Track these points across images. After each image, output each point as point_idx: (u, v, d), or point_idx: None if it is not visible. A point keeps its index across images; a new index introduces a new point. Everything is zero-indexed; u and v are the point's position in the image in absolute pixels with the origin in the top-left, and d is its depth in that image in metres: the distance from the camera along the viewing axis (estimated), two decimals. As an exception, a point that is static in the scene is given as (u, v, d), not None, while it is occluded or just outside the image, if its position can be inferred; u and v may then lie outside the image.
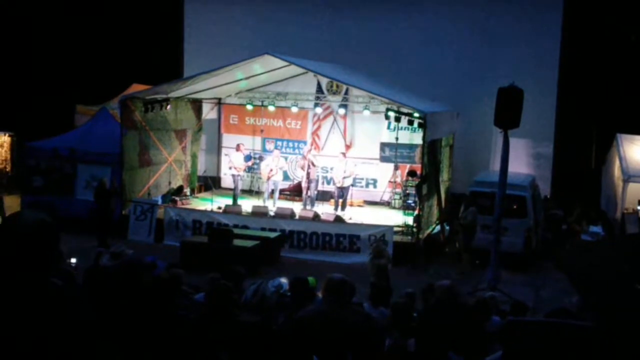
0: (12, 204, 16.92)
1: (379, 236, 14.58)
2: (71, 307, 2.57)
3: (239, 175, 18.15)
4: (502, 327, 5.96)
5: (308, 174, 17.49)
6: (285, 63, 16.77)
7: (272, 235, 14.83)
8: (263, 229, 15.20)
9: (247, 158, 18.90)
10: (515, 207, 14.76)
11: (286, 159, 19.40)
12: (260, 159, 19.26)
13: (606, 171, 20.26)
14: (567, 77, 20.48)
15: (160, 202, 17.22)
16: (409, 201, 16.99)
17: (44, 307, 2.50)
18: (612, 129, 19.69)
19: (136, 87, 20.23)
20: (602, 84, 21.37)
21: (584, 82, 21.32)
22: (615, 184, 18.37)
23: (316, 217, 16.09)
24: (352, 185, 18.17)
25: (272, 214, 16.39)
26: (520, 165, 18.41)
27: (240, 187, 18.41)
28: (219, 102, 20.85)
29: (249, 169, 19.05)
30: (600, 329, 3.21)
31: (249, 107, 19.70)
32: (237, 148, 18.47)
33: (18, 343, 2.43)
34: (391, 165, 19.10)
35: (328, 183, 19.16)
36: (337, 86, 19.25)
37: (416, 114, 15.41)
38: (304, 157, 17.89)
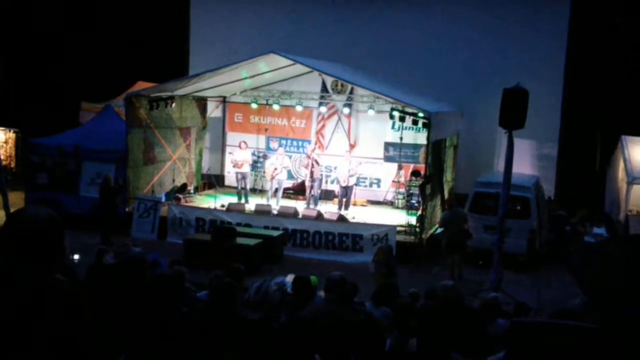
0: (16, 200, 16.93)
1: (382, 236, 14.57)
2: (74, 303, 2.58)
3: (242, 172, 18.16)
4: (506, 329, 5.95)
5: (312, 173, 17.49)
6: (291, 62, 16.76)
7: (275, 233, 14.83)
8: (266, 228, 15.20)
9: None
10: (519, 208, 14.74)
11: (290, 157, 19.41)
12: (265, 157, 19.28)
13: (610, 173, 20.21)
14: (573, 78, 20.45)
15: (164, 199, 17.24)
16: (413, 201, 16.98)
17: (48, 302, 2.51)
18: (617, 131, 19.65)
19: (141, 85, 20.27)
20: (607, 85, 21.33)
21: (590, 84, 21.29)
22: (619, 185, 18.32)
23: (319, 216, 16.09)
24: (356, 184, 18.19)
25: (275, 212, 16.40)
26: (524, 166, 18.38)
27: (248, 185, 18.46)
28: (223, 101, 20.87)
29: (253, 168, 19.06)
30: (604, 330, 3.20)
31: (254, 105, 19.72)
32: (240, 145, 18.53)
33: (21, 337, 2.43)
34: (395, 165, 19.08)
35: (332, 182, 19.18)
36: (342, 85, 19.25)
37: (421, 114, 15.39)
38: (308, 156, 17.89)
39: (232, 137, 20.98)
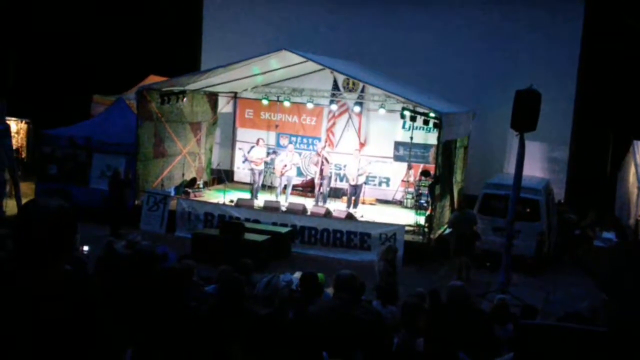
0: (26, 190, 17.02)
1: (390, 235, 14.55)
2: (82, 294, 2.58)
3: (258, 169, 18.20)
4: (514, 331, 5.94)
5: (321, 170, 17.50)
6: (302, 59, 16.76)
7: (283, 230, 14.85)
8: (274, 224, 15.21)
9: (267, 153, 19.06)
10: (528, 210, 14.68)
11: (300, 155, 19.41)
12: (275, 154, 19.30)
13: (621, 177, 20.11)
14: (585, 81, 20.33)
15: (173, 193, 17.28)
16: (422, 201, 16.95)
17: (57, 293, 2.51)
18: (629, 135, 19.54)
19: (153, 79, 20.31)
20: (620, 89, 21.21)
21: (602, 87, 21.17)
22: (630, 190, 18.23)
23: (328, 213, 16.09)
24: (365, 183, 18.17)
25: (283, 209, 16.41)
26: (535, 168, 18.31)
27: (261, 182, 18.49)
28: (235, 96, 20.90)
29: (265, 164, 19.09)
30: (615, 332, 3.19)
31: (265, 102, 19.74)
32: (258, 142, 18.56)
33: (29, 328, 2.44)
34: (405, 165, 19.06)
35: (341, 180, 19.17)
36: (354, 84, 19.23)
37: (432, 114, 15.36)
38: (318, 154, 17.89)
39: (242, 133, 21.03)
